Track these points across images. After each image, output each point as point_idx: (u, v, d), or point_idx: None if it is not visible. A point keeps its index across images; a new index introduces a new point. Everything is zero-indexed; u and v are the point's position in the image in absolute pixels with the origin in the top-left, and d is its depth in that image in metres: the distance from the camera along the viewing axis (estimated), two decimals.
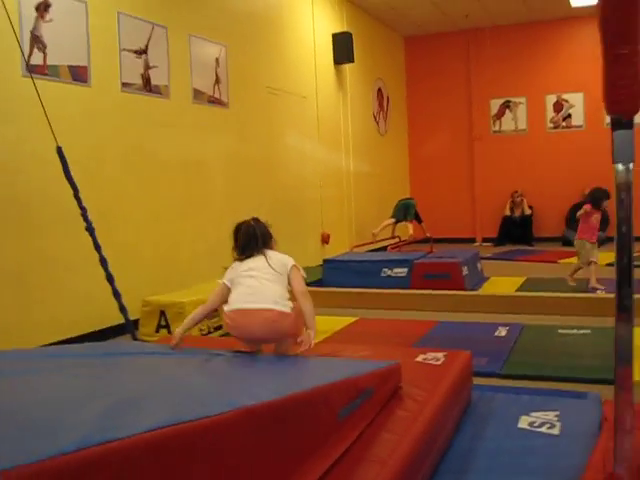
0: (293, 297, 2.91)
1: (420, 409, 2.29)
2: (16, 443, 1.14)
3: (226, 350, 2.73)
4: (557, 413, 2.81)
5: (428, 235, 9.79)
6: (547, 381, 3.54)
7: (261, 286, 2.86)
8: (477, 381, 3.33)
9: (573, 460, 2.30)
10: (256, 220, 3.16)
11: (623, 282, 1.87)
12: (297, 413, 1.71)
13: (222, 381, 1.82)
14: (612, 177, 1.85)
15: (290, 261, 3.01)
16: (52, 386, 1.68)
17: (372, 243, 9.52)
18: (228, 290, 2.96)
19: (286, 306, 2.82)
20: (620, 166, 1.83)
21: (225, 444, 1.39)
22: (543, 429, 2.65)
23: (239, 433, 1.45)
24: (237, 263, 3.04)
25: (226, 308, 2.85)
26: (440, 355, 2.97)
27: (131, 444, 1.13)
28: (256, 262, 2.98)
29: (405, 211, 9.94)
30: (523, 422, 2.73)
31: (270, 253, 3.05)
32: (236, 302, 2.82)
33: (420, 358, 2.95)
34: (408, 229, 9.96)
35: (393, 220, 9.97)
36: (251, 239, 3.07)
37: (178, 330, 2.89)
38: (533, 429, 2.65)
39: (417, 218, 10.21)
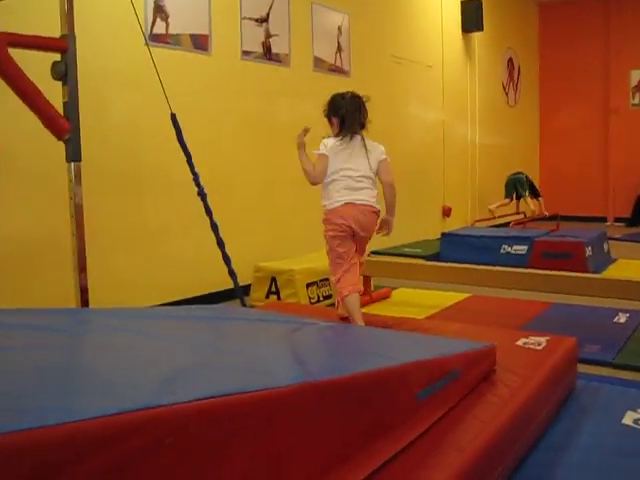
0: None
1: (511, 396, 2.19)
2: (65, 400, 1.18)
3: (323, 320, 2.73)
4: None
5: (546, 213, 9.39)
6: None
7: (364, 186, 3.19)
8: (586, 369, 3.16)
9: None
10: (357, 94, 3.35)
11: None
12: (368, 391, 1.67)
13: (299, 353, 1.80)
14: None
15: (383, 154, 3.29)
16: (131, 346, 1.72)
17: (494, 218, 9.24)
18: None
19: (378, 204, 3.26)
20: None
21: (283, 418, 1.37)
22: None
23: (300, 407, 1.42)
24: (337, 143, 3.25)
25: (333, 205, 3.22)
26: (542, 340, 2.83)
27: (176, 411, 1.14)
28: (357, 157, 3.23)
29: (515, 188, 9.48)
30: (628, 418, 2.53)
31: (369, 145, 3.27)
32: (342, 199, 3.18)
33: (521, 342, 2.82)
34: (529, 205, 9.51)
35: (508, 200, 9.53)
36: (356, 116, 3.24)
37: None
38: (639, 427, 2.48)
39: (534, 192, 9.70)
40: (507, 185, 9.52)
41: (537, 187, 9.83)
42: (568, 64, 11.57)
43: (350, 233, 3.23)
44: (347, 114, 3.25)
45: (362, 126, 3.30)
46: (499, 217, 9.32)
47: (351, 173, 3.19)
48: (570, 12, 11.48)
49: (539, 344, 2.77)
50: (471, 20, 9.01)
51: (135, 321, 2.24)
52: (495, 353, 2.43)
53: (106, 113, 4.42)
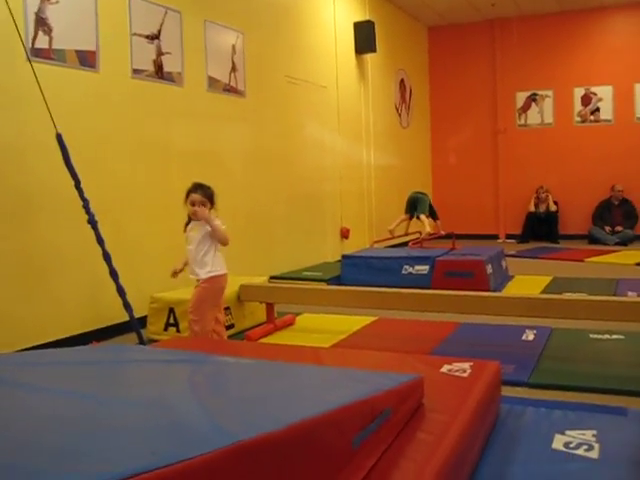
0: None
1: (444, 431, 2.03)
2: None
3: (231, 355, 2.51)
4: (594, 432, 2.53)
5: (442, 233, 9.41)
6: (580, 392, 3.29)
7: None
8: (504, 391, 3.06)
9: None
10: None
11: None
12: (304, 444, 1.45)
13: (215, 404, 1.57)
14: None
15: None
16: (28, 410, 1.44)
17: (392, 238, 9.22)
18: None
19: None
20: None
21: None
22: (580, 451, 2.36)
23: (233, 473, 1.20)
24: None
25: (221, 272, 4.06)
26: (466, 366, 2.70)
27: None
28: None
29: (415, 206, 9.46)
30: (558, 442, 2.44)
31: None
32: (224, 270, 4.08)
33: (445, 369, 2.68)
34: (424, 226, 9.42)
35: (407, 215, 9.50)
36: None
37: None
38: (569, 451, 2.37)
39: (432, 214, 9.74)
40: (407, 201, 9.48)
41: (435, 209, 9.86)
42: (457, 86, 11.84)
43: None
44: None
45: None
46: (397, 237, 9.31)
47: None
48: (458, 35, 11.76)
49: (464, 370, 2.64)
50: (364, 41, 9.01)
51: (30, 372, 1.94)
52: (423, 385, 2.27)
53: None
